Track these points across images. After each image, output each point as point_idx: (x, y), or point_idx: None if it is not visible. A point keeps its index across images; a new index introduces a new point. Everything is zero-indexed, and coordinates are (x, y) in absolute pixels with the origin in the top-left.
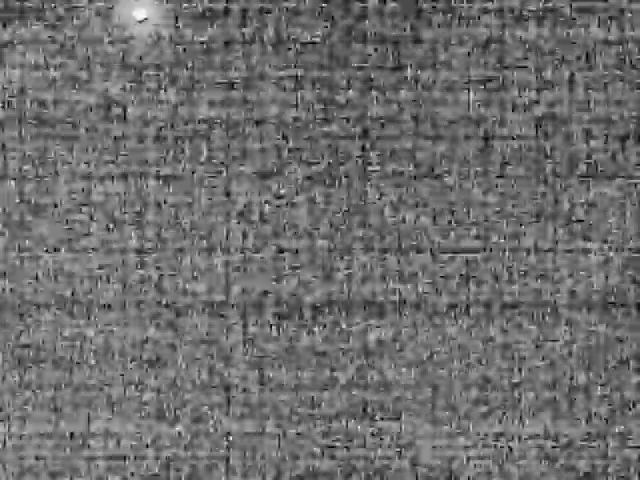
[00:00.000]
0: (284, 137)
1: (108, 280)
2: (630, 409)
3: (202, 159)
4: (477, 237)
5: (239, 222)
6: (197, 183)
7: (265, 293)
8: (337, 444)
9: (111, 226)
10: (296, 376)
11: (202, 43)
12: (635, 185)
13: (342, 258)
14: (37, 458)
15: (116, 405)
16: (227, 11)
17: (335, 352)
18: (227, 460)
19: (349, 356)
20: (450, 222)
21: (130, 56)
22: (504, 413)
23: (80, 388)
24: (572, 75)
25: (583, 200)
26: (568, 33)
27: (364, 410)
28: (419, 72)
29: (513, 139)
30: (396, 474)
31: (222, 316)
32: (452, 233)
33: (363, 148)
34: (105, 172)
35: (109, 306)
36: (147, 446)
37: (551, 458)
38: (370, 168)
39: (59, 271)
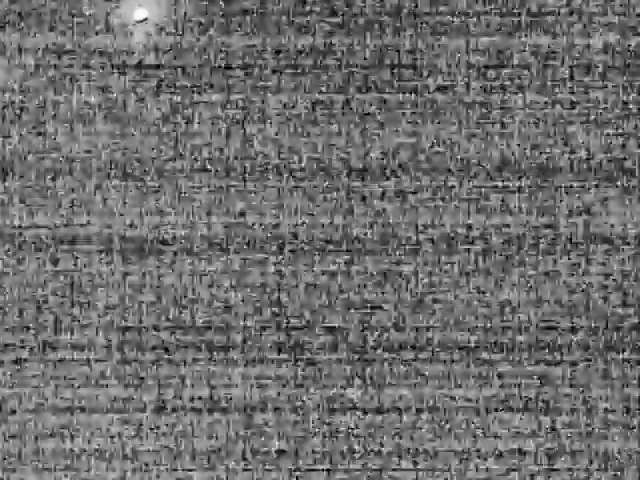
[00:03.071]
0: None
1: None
2: None
3: (202, 159)
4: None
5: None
6: (197, 181)
7: None
8: None
9: (109, 223)
10: None
11: (202, 44)
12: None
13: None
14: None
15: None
16: (227, 11)
17: None
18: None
19: None
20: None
21: (130, 56)
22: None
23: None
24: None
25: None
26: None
27: None
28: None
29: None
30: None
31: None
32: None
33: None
34: (105, 172)
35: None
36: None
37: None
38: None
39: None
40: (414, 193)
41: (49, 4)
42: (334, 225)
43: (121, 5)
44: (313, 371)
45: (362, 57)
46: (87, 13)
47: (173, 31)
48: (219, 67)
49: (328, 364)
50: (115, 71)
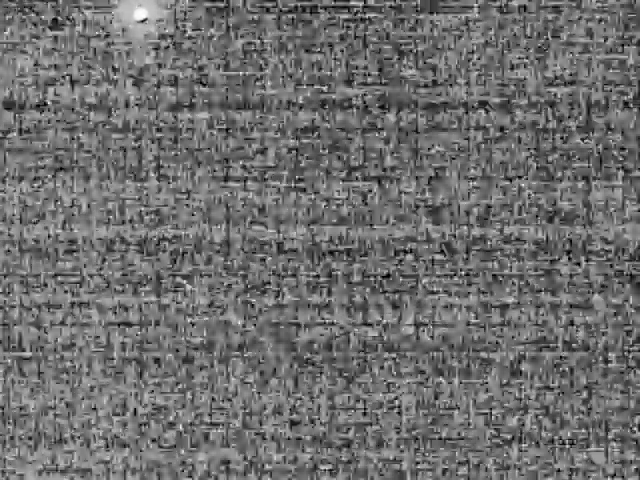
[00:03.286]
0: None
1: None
2: None
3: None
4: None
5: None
6: (196, 183)
7: None
8: None
9: (110, 224)
10: None
11: (202, 42)
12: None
13: None
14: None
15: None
16: (228, 11)
17: None
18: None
19: None
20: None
21: (130, 56)
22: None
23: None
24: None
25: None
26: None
27: None
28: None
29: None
30: None
31: None
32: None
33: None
34: (104, 172)
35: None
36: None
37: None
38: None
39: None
40: None
41: (49, 4)
42: None
43: (121, 5)
44: None
45: None
46: (87, 13)
47: (173, 31)
48: (219, 67)
49: None
50: (115, 71)
